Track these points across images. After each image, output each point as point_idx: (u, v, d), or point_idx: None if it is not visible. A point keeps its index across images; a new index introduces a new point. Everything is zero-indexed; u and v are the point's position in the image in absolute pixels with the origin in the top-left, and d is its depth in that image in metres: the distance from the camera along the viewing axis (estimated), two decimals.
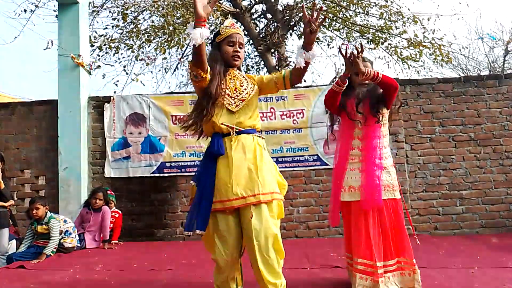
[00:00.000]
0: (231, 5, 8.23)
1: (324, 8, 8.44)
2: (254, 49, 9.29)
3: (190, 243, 4.83)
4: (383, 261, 2.44)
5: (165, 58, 8.13)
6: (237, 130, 2.18)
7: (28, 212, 4.30)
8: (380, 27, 8.17)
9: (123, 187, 5.25)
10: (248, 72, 9.24)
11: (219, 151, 2.15)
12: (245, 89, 2.24)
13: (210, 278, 3.06)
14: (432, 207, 5.01)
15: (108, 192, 4.92)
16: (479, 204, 4.98)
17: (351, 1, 8.05)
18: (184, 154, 5.18)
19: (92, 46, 7.05)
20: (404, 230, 2.52)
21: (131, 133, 5.28)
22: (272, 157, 2.63)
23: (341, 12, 8.39)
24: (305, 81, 10.93)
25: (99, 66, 6.17)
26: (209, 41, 2.35)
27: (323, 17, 2.13)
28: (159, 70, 8.99)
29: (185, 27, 6.90)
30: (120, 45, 7.71)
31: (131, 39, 7.67)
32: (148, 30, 7.61)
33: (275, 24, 8.43)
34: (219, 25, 6.70)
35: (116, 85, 7.63)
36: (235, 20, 2.14)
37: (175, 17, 6.93)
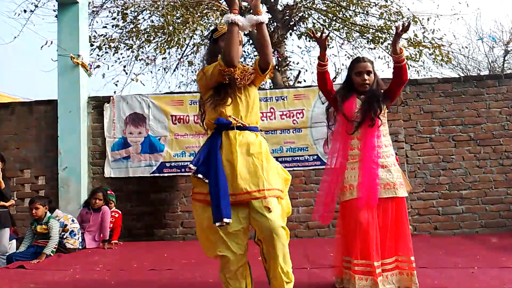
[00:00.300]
0: None
1: (324, 9, 8.46)
2: (254, 49, 9.30)
3: (190, 243, 4.83)
4: (381, 259, 2.43)
5: (164, 58, 8.15)
6: (241, 125, 2.22)
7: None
8: (380, 27, 8.17)
9: (123, 187, 5.25)
10: None
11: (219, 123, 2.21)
12: (247, 68, 2.29)
13: (210, 278, 3.07)
14: (432, 207, 5.01)
15: (108, 192, 4.92)
16: (479, 204, 4.98)
17: (351, 1, 8.05)
18: (184, 154, 5.18)
19: (91, 45, 7.05)
20: (405, 229, 2.51)
21: (131, 133, 5.28)
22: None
23: (341, 12, 8.39)
24: (304, 81, 10.94)
25: (98, 66, 6.18)
26: (208, 37, 2.41)
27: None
28: (159, 70, 9.00)
29: (184, 27, 6.91)
30: (120, 45, 7.71)
31: (130, 39, 7.68)
32: (148, 30, 7.62)
33: (275, 24, 8.44)
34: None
35: (116, 85, 7.63)
36: (224, 21, 2.14)
37: (174, 17, 6.93)
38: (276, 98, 5.20)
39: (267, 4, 8.50)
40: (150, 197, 5.25)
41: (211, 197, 2.12)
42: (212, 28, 7.94)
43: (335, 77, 9.71)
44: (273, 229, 2.05)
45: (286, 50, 8.96)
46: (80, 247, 4.46)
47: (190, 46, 8.61)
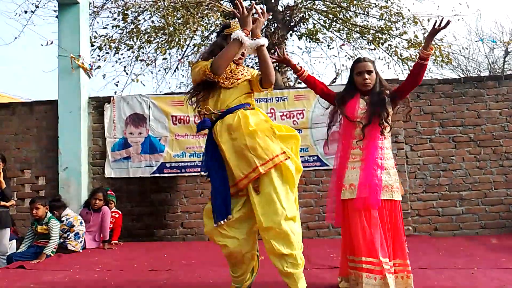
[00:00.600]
0: (232, 6, 8.24)
1: (325, 9, 8.46)
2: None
3: (190, 244, 4.84)
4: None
5: (165, 59, 8.15)
6: (218, 114, 2.29)
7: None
8: (380, 28, 8.18)
9: (123, 187, 5.26)
10: None
11: (203, 126, 2.36)
12: (240, 71, 2.39)
13: (210, 278, 3.07)
14: (432, 208, 5.01)
15: (108, 192, 4.92)
16: (479, 205, 4.98)
17: (351, 2, 8.06)
18: (184, 154, 5.18)
19: (92, 46, 7.06)
20: (400, 233, 2.50)
21: (131, 133, 5.29)
22: None
23: (341, 13, 8.40)
24: None
25: (99, 67, 6.18)
26: (218, 31, 2.56)
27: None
28: (159, 71, 9.01)
29: (185, 28, 6.92)
30: (120, 46, 7.72)
31: (131, 39, 7.68)
32: (149, 30, 7.62)
33: (275, 24, 8.44)
34: (219, 25, 6.71)
35: (117, 85, 7.65)
36: (236, 21, 2.15)
37: (175, 18, 6.94)
38: (277, 98, 5.20)
39: (267, 4, 8.50)
40: (150, 198, 5.25)
41: (211, 195, 2.29)
42: (212, 28, 8.02)
43: (335, 78, 9.71)
44: (261, 215, 2.16)
45: (287, 51, 8.95)
46: (80, 251, 4.40)
47: (190, 46, 8.63)
